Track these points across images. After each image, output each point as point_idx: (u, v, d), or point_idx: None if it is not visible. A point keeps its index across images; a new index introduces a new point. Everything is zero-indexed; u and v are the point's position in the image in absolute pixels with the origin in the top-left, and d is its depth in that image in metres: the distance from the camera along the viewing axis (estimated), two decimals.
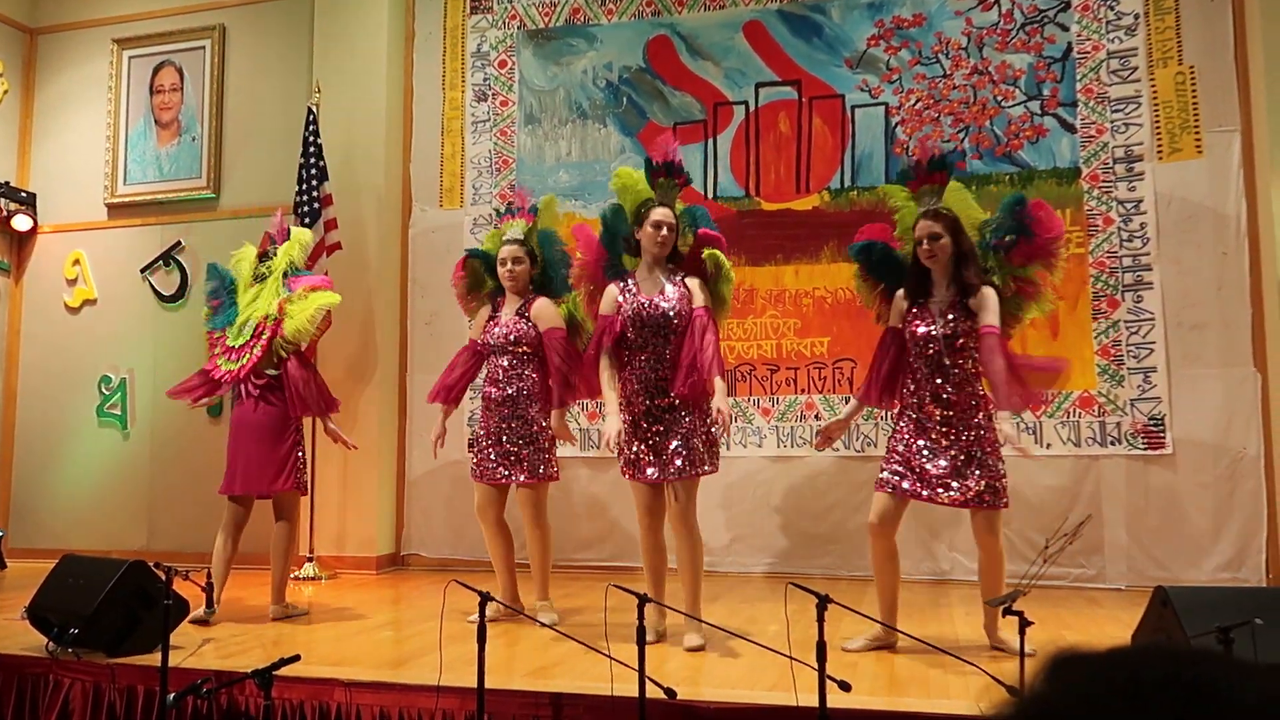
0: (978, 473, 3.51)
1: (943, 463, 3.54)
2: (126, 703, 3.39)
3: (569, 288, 4.34)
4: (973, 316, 3.56)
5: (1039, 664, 0.60)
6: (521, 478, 4.22)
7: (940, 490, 3.55)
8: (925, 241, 3.60)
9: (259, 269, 4.56)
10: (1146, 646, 0.58)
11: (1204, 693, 0.54)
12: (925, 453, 3.59)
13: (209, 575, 3.81)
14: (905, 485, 3.60)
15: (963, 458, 3.54)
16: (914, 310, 3.69)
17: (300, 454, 4.47)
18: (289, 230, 4.72)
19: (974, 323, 3.56)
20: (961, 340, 3.57)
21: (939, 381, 3.59)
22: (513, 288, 4.32)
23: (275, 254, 4.58)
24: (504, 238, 4.38)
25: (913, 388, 3.67)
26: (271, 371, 4.43)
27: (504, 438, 4.25)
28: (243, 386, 4.46)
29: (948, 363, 3.58)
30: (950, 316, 3.58)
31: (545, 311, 4.27)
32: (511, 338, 4.25)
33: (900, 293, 3.76)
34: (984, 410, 3.60)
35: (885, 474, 3.65)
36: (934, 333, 3.60)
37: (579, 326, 4.34)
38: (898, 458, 3.63)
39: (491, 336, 4.33)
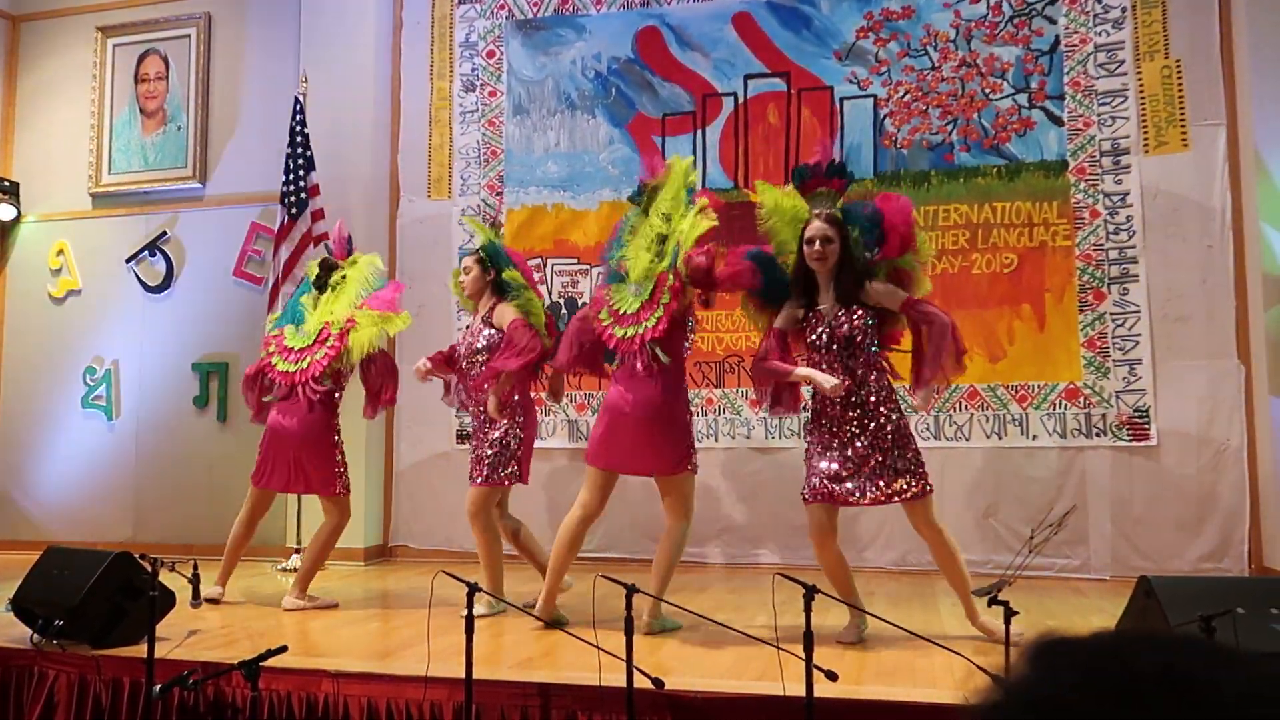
0: (897, 466, 3.50)
1: (871, 463, 3.51)
2: (112, 694, 3.38)
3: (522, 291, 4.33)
4: (867, 309, 3.55)
5: (1022, 650, 0.60)
6: (477, 480, 4.24)
7: (868, 491, 3.50)
8: (818, 243, 3.55)
9: (333, 277, 4.63)
10: (1133, 633, 0.59)
11: (1193, 681, 0.54)
12: (844, 456, 3.53)
13: (195, 566, 3.80)
14: (836, 490, 3.53)
15: (879, 456, 3.50)
16: (809, 317, 3.64)
17: (340, 456, 4.55)
18: (349, 239, 4.82)
19: (869, 315, 3.54)
20: (860, 337, 3.54)
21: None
22: (466, 292, 4.42)
23: (337, 264, 4.67)
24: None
25: (816, 394, 3.61)
26: (326, 384, 4.48)
27: (476, 441, 4.32)
28: (301, 389, 4.48)
29: (850, 363, 3.55)
30: (842, 316, 3.56)
31: (506, 313, 4.27)
32: (478, 345, 4.31)
33: (791, 300, 3.69)
34: (892, 401, 3.57)
35: (814, 483, 3.56)
36: (827, 335, 3.56)
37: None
38: (823, 467, 3.56)
39: (462, 346, 4.42)
